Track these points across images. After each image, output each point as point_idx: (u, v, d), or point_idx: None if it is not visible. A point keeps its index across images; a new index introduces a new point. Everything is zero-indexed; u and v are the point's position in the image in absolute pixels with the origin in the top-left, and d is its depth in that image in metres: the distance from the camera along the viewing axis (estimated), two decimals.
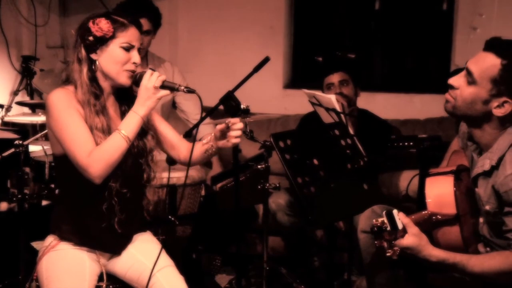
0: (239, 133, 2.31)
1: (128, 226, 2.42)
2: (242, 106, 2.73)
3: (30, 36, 4.90)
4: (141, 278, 2.39)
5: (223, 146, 2.36)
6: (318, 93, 3.16)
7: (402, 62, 4.88)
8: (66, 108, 2.24)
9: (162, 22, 3.78)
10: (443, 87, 2.30)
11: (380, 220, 2.16)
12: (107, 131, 2.29)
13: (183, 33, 5.06)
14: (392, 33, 4.81)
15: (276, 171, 3.70)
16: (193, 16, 5.01)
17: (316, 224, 3.07)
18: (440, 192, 2.33)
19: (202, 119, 2.94)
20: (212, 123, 3.74)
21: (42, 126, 4.04)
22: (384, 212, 2.16)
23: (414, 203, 3.18)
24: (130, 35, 2.30)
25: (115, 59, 2.28)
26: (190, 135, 2.92)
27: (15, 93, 4.65)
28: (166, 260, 2.43)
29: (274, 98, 4.83)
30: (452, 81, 2.24)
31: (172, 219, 3.16)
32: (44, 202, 3.44)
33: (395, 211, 2.17)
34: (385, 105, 4.41)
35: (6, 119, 4.23)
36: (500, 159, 2.16)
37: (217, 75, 4.80)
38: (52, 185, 3.27)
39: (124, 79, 2.30)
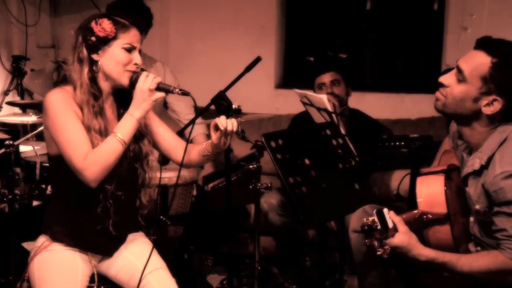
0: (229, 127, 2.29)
1: (122, 228, 2.42)
2: (233, 106, 2.72)
3: (21, 36, 4.88)
4: (132, 280, 2.38)
5: (218, 149, 2.36)
6: (309, 93, 3.17)
7: (393, 62, 4.89)
8: (63, 110, 2.23)
9: (153, 22, 3.78)
10: (434, 87, 2.31)
11: (370, 219, 2.17)
12: (105, 133, 2.28)
13: (174, 33, 5.05)
14: (383, 33, 4.82)
15: (268, 171, 3.70)
16: (184, 16, 5.01)
17: (307, 224, 3.06)
18: (430, 192, 2.34)
19: (193, 119, 2.95)
20: (203, 123, 3.74)
21: (33, 126, 4.02)
22: (374, 211, 2.17)
23: (405, 202, 3.19)
24: (131, 36, 2.29)
25: (116, 60, 2.27)
26: (182, 135, 2.92)
27: (5, 93, 4.63)
28: (158, 262, 2.42)
29: (265, 98, 4.83)
30: (443, 79, 2.25)
31: (164, 219, 3.16)
32: (35, 203, 3.43)
33: (385, 210, 2.18)
34: (377, 105, 4.42)
35: None
36: (490, 159, 2.17)
37: (208, 75, 4.79)
38: (43, 186, 3.26)
39: (125, 80, 2.29)
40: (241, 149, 3.79)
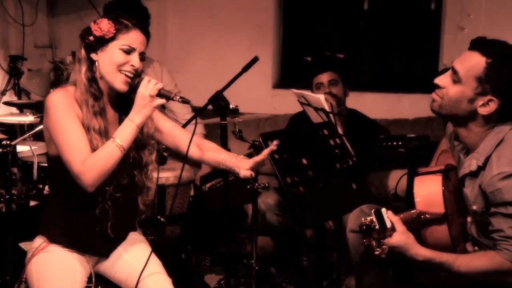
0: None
1: (120, 231, 2.42)
2: (231, 106, 2.73)
3: (18, 36, 4.87)
4: (129, 280, 2.39)
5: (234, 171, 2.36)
6: (307, 92, 3.17)
7: (391, 62, 4.89)
8: (65, 112, 2.21)
9: (150, 22, 3.78)
10: (432, 87, 2.31)
11: (368, 218, 2.17)
12: (104, 134, 2.26)
13: (172, 33, 5.05)
14: (380, 33, 4.82)
15: (265, 171, 3.69)
16: (182, 16, 5.00)
17: (305, 223, 3.07)
18: (428, 191, 2.35)
19: (191, 119, 2.95)
20: (201, 123, 3.75)
21: (30, 126, 4.01)
22: (372, 211, 2.18)
23: (403, 202, 3.19)
24: (131, 37, 2.26)
25: (112, 60, 2.25)
26: None
27: (2, 93, 4.62)
28: (156, 266, 2.42)
29: (263, 98, 4.83)
30: (438, 80, 2.26)
31: (161, 219, 3.16)
32: (32, 203, 3.43)
33: (383, 210, 2.18)
34: (374, 105, 4.42)
35: None
36: (487, 160, 2.17)
37: (206, 75, 4.79)
38: (40, 186, 3.25)
39: (118, 83, 2.26)
40: (238, 149, 3.75)
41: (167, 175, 3.25)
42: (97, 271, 2.45)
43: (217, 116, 2.83)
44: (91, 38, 2.24)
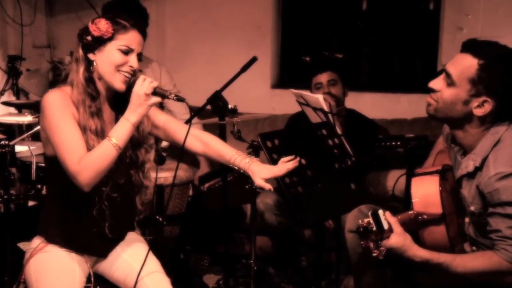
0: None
1: (118, 231, 2.42)
2: (229, 106, 2.72)
3: (16, 36, 4.87)
4: (127, 280, 2.38)
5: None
6: (305, 93, 3.17)
7: (389, 62, 4.89)
8: (61, 111, 2.21)
9: (149, 22, 3.78)
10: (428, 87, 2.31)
11: (366, 220, 2.17)
12: (101, 134, 2.26)
13: (170, 33, 5.04)
14: (379, 33, 4.82)
15: None
16: (181, 16, 5.00)
17: (303, 223, 3.07)
18: (426, 192, 2.35)
19: (190, 119, 2.94)
20: (199, 123, 3.74)
21: (29, 126, 4.01)
22: (370, 213, 2.18)
23: (401, 202, 3.19)
24: (130, 38, 2.26)
25: (110, 61, 2.24)
26: None
27: (1, 93, 4.61)
28: (154, 265, 2.42)
29: (261, 98, 4.83)
30: (432, 84, 2.27)
31: (160, 219, 3.16)
32: (30, 203, 3.42)
33: (380, 211, 2.18)
34: (373, 105, 4.42)
35: None
36: (484, 160, 2.17)
37: (204, 75, 4.79)
38: (39, 186, 3.25)
39: (117, 83, 2.25)
40: (237, 149, 3.78)
41: (166, 175, 3.24)
42: (96, 271, 2.45)
43: (215, 116, 2.83)
44: (89, 38, 2.24)
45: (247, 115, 3.62)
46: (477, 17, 4.27)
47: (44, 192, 3.24)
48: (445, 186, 2.35)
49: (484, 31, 4.15)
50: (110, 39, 2.24)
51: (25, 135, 3.17)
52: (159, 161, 3.07)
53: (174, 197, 3.38)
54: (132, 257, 2.42)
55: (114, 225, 2.37)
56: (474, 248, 2.34)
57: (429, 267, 2.22)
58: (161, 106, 3.95)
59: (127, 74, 2.25)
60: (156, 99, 2.24)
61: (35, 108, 3.83)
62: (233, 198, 3.13)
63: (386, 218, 2.21)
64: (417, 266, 2.24)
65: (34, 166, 3.12)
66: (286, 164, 2.30)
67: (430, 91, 2.27)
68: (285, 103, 4.25)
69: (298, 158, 2.31)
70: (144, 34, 2.33)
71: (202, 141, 2.47)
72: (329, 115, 2.94)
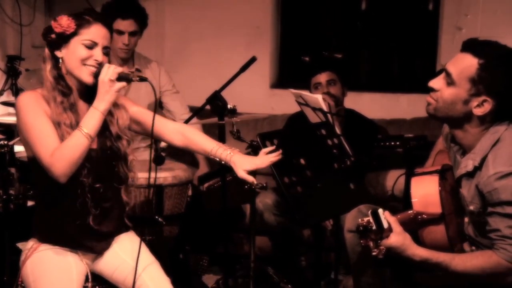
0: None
1: (105, 224, 2.42)
2: (228, 106, 2.72)
3: (15, 36, 4.86)
4: (127, 280, 2.39)
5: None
6: (304, 92, 3.17)
7: (389, 62, 4.90)
8: (32, 109, 2.26)
9: (148, 22, 3.78)
10: (429, 87, 2.31)
11: (366, 219, 2.17)
12: (76, 127, 2.28)
13: (169, 33, 5.04)
14: (378, 33, 4.82)
15: (263, 171, 3.65)
16: (180, 16, 5.00)
17: (303, 223, 3.07)
18: (425, 192, 2.35)
19: (188, 119, 2.95)
20: (199, 123, 3.74)
21: None
22: (369, 212, 2.18)
23: (400, 202, 3.19)
24: (93, 32, 2.29)
25: (75, 56, 2.28)
26: None
27: (0, 93, 4.61)
28: (148, 258, 2.43)
29: (261, 98, 4.83)
30: (432, 83, 2.27)
31: (159, 219, 3.16)
32: (29, 203, 3.42)
33: (380, 210, 2.19)
34: (372, 105, 4.42)
35: None
36: (483, 160, 2.18)
37: (203, 75, 4.79)
38: None
39: (85, 76, 2.29)
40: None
41: (165, 175, 3.24)
42: (94, 270, 2.45)
43: (215, 116, 2.83)
44: (53, 35, 2.29)
45: (246, 115, 3.61)
46: (476, 17, 4.27)
47: (33, 194, 3.24)
48: (444, 186, 2.36)
49: (483, 31, 4.14)
50: (74, 34, 2.28)
51: None
52: (158, 161, 3.07)
53: (173, 197, 3.37)
54: (130, 257, 2.42)
55: (99, 217, 2.38)
56: (473, 248, 2.34)
57: (429, 266, 2.22)
58: (160, 106, 3.95)
59: (92, 68, 2.28)
60: (122, 83, 2.27)
61: None
62: (232, 198, 3.12)
63: (386, 217, 2.21)
64: (417, 265, 2.24)
65: None
66: (269, 157, 2.32)
67: (430, 90, 2.28)
68: (284, 103, 4.24)
69: (280, 151, 2.32)
70: (109, 28, 2.36)
71: (183, 134, 2.50)
72: (328, 115, 2.94)
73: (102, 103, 2.25)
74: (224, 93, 2.74)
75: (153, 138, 2.44)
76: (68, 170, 2.20)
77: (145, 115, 2.51)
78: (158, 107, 3.95)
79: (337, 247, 3.15)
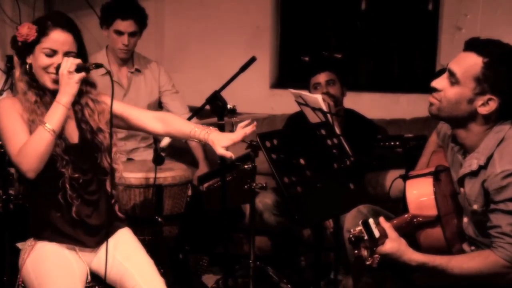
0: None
1: (94, 217, 2.45)
2: (228, 106, 2.73)
3: None
4: (123, 280, 2.41)
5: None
6: (304, 92, 3.17)
7: (388, 62, 4.89)
8: (5, 113, 2.32)
9: (148, 22, 3.78)
10: (429, 87, 2.31)
11: (357, 229, 2.17)
12: None
13: (169, 33, 5.04)
14: (378, 33, 4.82)
15: (263, 171, 3.69)
16: (179, 16, 5.00)
17: (302, 223, 3.07)
18: (420, 194, 2.35)
19: (188, 119, 2.94)
20: (198, 123, 3.74)
21: None
22: (360, 222, 2.17)
23: (399, 203, 3.18)
24: (52, 40, 2.32)
25: (38, 64, 2.33)
26: None
27: None
28: (142, 258, 2.46)
29: (260, 98, 4.82)
30: (435, 83, 2.26)
31: (159, 219, 3.16)
32: None
33: (371, 220, 2.17)
34: (371, 105, 4.42)
35: None
36: (488, 159, 2.18)
37: (203, 75, 4.79)
38: None
39: (49, 83, 2.34)
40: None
41: (165, 175, 3.24)
42: (92, 270, 2.48)
43: (214, 116, 2.83)
44: (19, 43, 2.33)
45: (246, 115, 3.62)
46: (476, 17, 4.27)
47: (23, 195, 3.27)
48: (439, 187, 2.35)
49: (483, 31, 4.14)
50: (37, 42, 2.32)
51: None
52: (158, 161, 3.07)
53: (173, 197, 3.37)
54: (125, 258, 2.44)
55: (88, 210, 2.42)
56: (473, 248, 2.34)
57: (426, 270, 2.22)
58: (160, 106, 3.95)
59: (54, 76, 2.31)
60: (81, 74, 2.29)
61: None
62: (232, 198, 3.12)
63: (381, 223, 2.22)
64: (414, 269, 2.24)
65: None
66: (243, 130, 2.36)
67: (432, 90, 2.27)
68: (284, 103, 4.25)
69: (255, 123, 2.37)
70: (72, 31, 2.36)
71: (162, 120, 2.53)
72: (328, 115, 2.94)
73: (64, 96, 2.28)
74: (224, 93, 2.74)
75: (134, 129, 2.55)
76: (33, 165, 2.25)
77: (128, 110, 2.55)
78: (158, 107, 3.95)
79: (337, 247, 3.15)
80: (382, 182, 3.98)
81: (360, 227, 2.15)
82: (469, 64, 2.17)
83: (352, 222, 2.58)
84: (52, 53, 2.31)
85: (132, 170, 3.25)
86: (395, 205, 3.25)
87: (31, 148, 2.24)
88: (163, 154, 3.08)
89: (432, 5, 4.61)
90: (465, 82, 2.17)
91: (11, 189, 3.15)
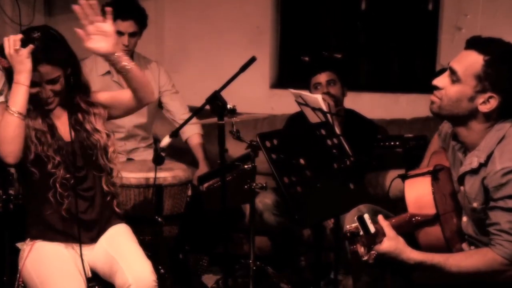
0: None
1: (89, 212, 2.51)
2: (228, 106, 2.72)
3: None
4: (112, 271, 2.44)
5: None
6: (304, 93, 3.17)
7: (388, 62, 4.90)
8: None
9: (148, 22, 3.77)
10: (429, 87, 2.32)
11: (353, 225, 2.17)
12: (47, 126, 2.43)
13: (169, 33, 5.04)
14: (378, 33, 4.82)
15: (263, 171, 3.68)
16: (179, 16, 5.00)
17: (302, 223, 3.06)
18: (418, 193, 2.35)
19: (188, 119, 2.95)
20: (198, 123, 3.74)
21: None
22: (355, 217, 2.17)
23: (399, 203, 3.19)
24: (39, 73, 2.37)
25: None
26: (176, 135, 2.92)
27: None
28: (129, 246, 2.51)
29: (260, 98, 4.82)
30: (437, 81, 2.27)
31: (159, 219, 3.16)
32: None
33: (366, 216, 2.18)
34: (371, 105, 4.42)
35: None
36: (489, 156, 2.18)
37: (203, 75, 4.79)
38: None
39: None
40: (236, 149, 3.78)
41: (165, 175, 3.24)
42: (91, 267, 2.53)
43: (214, 116, 2.82)
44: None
45: (246, 115, 3.62)
46: (476, 17, 4.27)
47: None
48: (437, 186, 2.36)
49: (483, 31, 4.10)
50: None
51: None
52: (158, 161, 3.07)
53: (173, 197, 3.37)
54: (113, 249, 2.48)
55: (80, 205, 2.46)
56: (472, 247, 2.34)
57: (424, 269, 2.22)
58: (160, 106, 3.95)
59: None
60: (29, 47, 2.28)
61: None
62: (232, 198, 3.12)
63: (379, 221, 2.22)
64: (412, 268, 2.24)
65: None
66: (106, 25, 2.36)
67: (434, 89, 2.28)
68: (284, 103, 4.25)
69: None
70: (59, 63, 2.39)
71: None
72: (328, 115, 2.94)
73: (20, 75, 2.29)
74: (223, 93, 2.73)
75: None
76: (8, 149, 2.28)
77: (118, 95, 2.63)
78: (157, 107, 3.95)
79: (336, 247, 3.15)
80: (382, 182, 3.98)
81: (356, 223, 2.16)
82: (470, 62, 2.18)
83: (351, 222, 2.57)
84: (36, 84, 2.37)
85: (132, 170, 3.25)
86: (395, 205, 3.25)
87: (1, 133, 2.27)
88: (163, 154, 3.07)
89: (432, 5, 4.61)
90: (466, 80, 2.18)
91: (11, 189, 3.15)
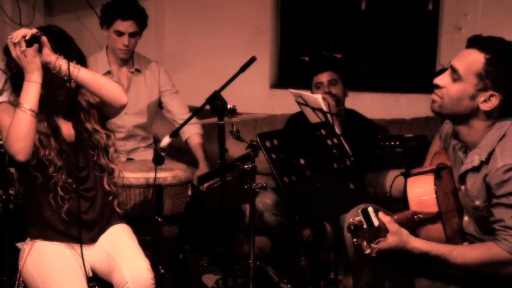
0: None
1: (90, 212, 2.52)
2: (228, 106, 2.72)
3: None
4: (110, 269, 2.44)
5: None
6: (304, 92, 3.17)
7: (388, 62, 4.89)
8: (2, 115, 2.39)
9: (148, 22, 3.78)
10: (429, 87, 2.32)
11: (357, 218, 2.19)
12: (51, 129, 2.45)
13: (169, 33, 5.04)
14: (378, 33, 4.82)
15: (263, 171, 3.70)
16: (179, 16, 5.00)
17: (302, 223, 3.07)
18: (421, 191, 2.36)
19: (188, 118, 2.95)
20: (198, 123, 3.74)
21: None
22: (359, 210, 2.19)
23: (399, 203, 3.19)
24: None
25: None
26: (176, 135, 2.92)
27: (0, 92, 4.61)
28: (127, 244, 2.51)
29: (260, 98, 4.83)
30: (438, 80, 2.27)
31: (159, 219, 3.16)
32: None
33: (370, 209, 2.19)
34: (371, 105, 4.42)
35: None
36: (490, 154, 2.19)
37: (203, 75, 4.79)
38: None
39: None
40: (236, 149, 3.79)
41: (165, 175, 3.24)
42: (92, 268, 2.52)
43: (214, 116, 2.82)
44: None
45: (246, 115, 3.62)
46: (476, 17, 4.27)
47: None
48: (440, 185, 2.37)
49: (482, 31, 4.08)
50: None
51: None
52: (158, 161, 3.07)
53: (173, 197, 3.37)
54: (111, 248, 2.48)
55: (82, 205, 2.46)
56: None
57: (429, 259, 2.23)
58: (160, 106, 3.95)
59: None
60: (35, 46, 2.28)
61: None
62: (232, 198, 3.12)
63: (380, 217, 2.22)
64: (417, 257, 2.25)
65: None
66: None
67: (435, 88, 2.28)
68: (284, 103, 4.25)
69: None
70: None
71: None
72: (328, 115, 2.94)
73: (30, 74, 2.30)
74: (223, 93, 2.73)
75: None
76: (20, 147, 2.30)
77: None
78: (157, 107, 3.95)
79: (336, 247, 3.15)
80: (382, 182, 3.98)
81: (359, 217, 2.17)
82: (471, 60, 2.18)
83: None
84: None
85: (132, 170, 3.25)
86: (395, 205, 3.25)
87: (13, 130, 2.29)
88: (163, 154, 3.07)
89: (432, 5, 4.61)
90: (467, 79, 2.19)
91: (11, 189, 3.15)
